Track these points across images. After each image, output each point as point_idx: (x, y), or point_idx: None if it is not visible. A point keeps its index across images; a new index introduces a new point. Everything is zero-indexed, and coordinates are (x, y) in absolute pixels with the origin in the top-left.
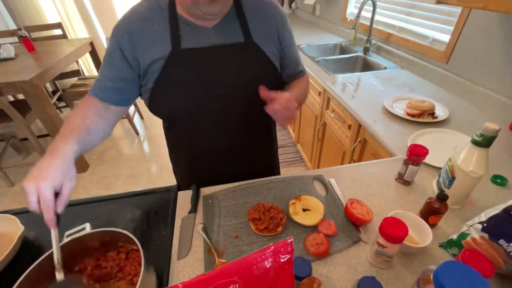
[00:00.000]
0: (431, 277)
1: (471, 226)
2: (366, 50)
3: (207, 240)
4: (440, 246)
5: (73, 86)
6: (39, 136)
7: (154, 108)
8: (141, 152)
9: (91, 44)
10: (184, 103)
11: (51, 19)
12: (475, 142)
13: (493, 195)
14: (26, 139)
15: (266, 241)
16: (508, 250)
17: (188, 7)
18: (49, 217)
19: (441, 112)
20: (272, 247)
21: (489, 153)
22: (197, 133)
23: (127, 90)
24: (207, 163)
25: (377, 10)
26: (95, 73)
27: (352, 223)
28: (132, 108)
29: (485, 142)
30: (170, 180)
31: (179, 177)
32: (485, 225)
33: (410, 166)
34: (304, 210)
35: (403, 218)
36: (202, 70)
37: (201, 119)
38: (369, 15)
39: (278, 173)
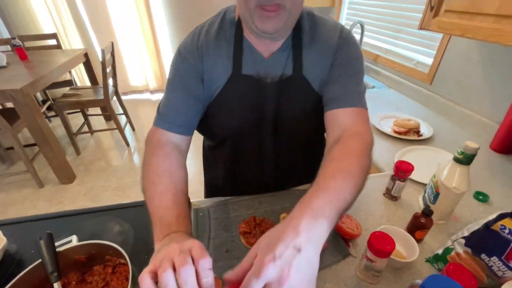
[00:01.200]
0: None
1: (455, 241)
2: None
3: None
4: (427, 261)
5: (65, 96)
6: (25, 146)
7: (203, 127)
8: (131, 163)
9: (85, 55)
10: (235, 126)
11: (46, 29)
12: (457, 160)
13: (476, 211)
14: (11, 148)
15: None
16: (489, 264)
17: (246, 20)
18: None
19: (426, 130)
20: None
21: (470, 170)
22: (242, 152)
23: (199, 111)
24: (247, 179)
25: (365, 33)
26: (87, 83)
27: (341, 238)
28: (123, 119)
29: (466, 159)
30: None
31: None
32: (467, 240)
33: (397, 181)
34: None
35: (390, 233)
36: (254, 98)
37: (248, 142)
38: (358, 37)
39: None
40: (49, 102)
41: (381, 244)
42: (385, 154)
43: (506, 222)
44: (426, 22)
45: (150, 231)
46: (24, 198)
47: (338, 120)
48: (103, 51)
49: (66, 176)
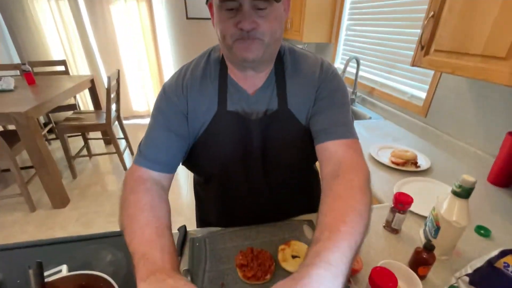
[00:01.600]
0: None
1: (459, 278)
2: (352, 101)
3: None
4: None
5: (68, 119)
6: (22, 168)
7: (190, 164)
8: None
9: (91, 80)
10: (223, 161)
11: (56, 55)
12: (455, 193)
13: (479, 246)
14: (7, 170)
15: None
16: None
17: (227, 55)
18: None
19: (423, 162)
20: None
21: (469, 203)
22: (231, 188)
23: (182, 149)
24: (240, 212)
25: (361, 67)
26: (91, 107)
27: None
28: (123, 144)
29: (464, 193)
30: None
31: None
32: (471, 278)
33: (397, 214)
34: (293, 256)
35: (392, 268)
36: (240, 133)
37: (237, 176)
38: (354, 71)
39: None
40: (50, 125)
41: (382, 281)
42: (384, 185)
43: (509, 259)
44: (418, 60)
45: None
46: (14, 222)
47: (330, 153)
48: (109, 78)
49: (60, 200)
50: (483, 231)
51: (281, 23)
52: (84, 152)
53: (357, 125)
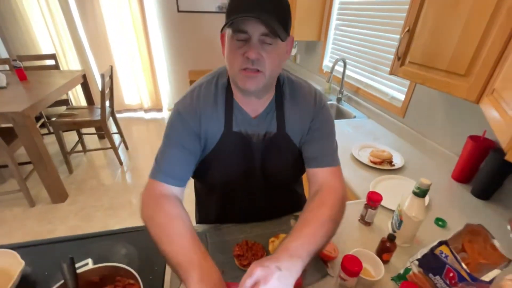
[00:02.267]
0: None
1: (411, 262)
2: (339, 100)
3: None
4: (392, 279)
5: (61, 115)
6: (19, 164)
7: (197, 176)
8: (123, 183)
9: (83, 76)
10: (227, 175)
11: (45, 49)
12: (414, 193)
13: (436, 235)
14: (4, 166)
15: None
16: (435, 282)
17: (233, 80)
18: None
19: (398, 161)
20: None
21: (433, 198)
22: (232, 197)
23: (194, 165)
24: (237, 217)
25: (348, 67)
26: (83, 102)
27: (321, 259)
28: (118, 138)
29: (421, 193)
30: None
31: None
32: (420, 261)
33: (369, 209)
34: None
35: (362, 255)
36: (243, 151)
37: (237, 189)
38: (341, 70)
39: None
40: (43, 120)
41: (351, 266)
42: (362, 183)
43: (443, 248)
44: (395, 69)
45: (154, 253)
46: (14, 217)
47: (317, 177)
48: (102, 76)
49: (59, 195)
50: (441, 223)
51: (281, 61)
52: (79, 147)
53: (344, 123)
